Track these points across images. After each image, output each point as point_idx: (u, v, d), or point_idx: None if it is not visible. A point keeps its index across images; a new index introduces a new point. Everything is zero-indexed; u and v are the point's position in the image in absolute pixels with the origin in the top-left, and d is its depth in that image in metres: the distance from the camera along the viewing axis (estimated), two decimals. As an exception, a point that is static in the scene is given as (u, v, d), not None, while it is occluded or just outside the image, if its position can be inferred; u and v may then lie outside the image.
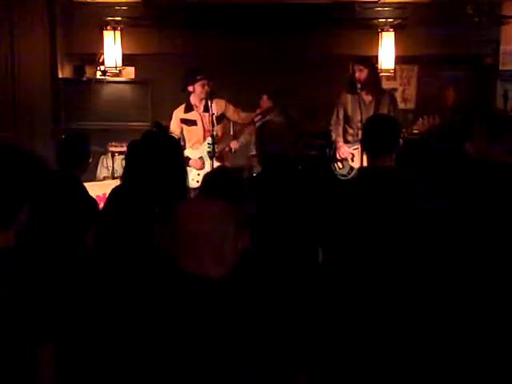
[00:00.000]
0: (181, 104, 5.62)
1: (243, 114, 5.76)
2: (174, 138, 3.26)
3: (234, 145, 5.67)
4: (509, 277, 2.85)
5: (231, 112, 5.65)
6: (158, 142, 2.88)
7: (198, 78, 5.38)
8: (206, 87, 5.36)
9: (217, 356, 1.74)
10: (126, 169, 2.90)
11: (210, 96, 5.29)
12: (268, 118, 5.86)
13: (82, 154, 3.65)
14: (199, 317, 1.75)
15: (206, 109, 5.39)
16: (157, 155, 2.78)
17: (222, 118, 5.59)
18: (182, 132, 5.53)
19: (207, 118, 5.37)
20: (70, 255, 3.33)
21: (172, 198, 2.67)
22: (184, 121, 5.54)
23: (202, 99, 5.45)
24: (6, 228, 1.95)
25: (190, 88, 5.46)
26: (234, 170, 2.83)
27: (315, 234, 3.17)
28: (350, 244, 2.93)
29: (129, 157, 2.90)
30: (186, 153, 5.37)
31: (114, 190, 2.94)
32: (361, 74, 5.22)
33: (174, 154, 2.88)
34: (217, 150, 5.38)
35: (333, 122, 5.53)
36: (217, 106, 5.45)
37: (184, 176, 2.98)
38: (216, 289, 1.78)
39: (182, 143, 5.19)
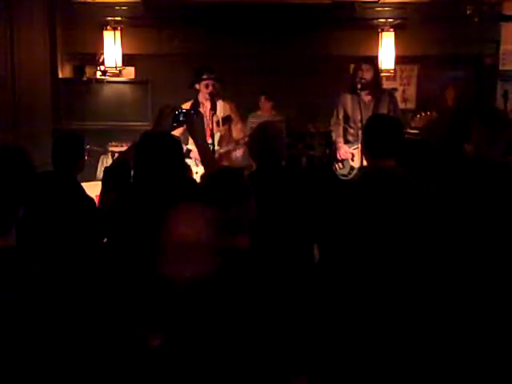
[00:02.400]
0: (181, 103, 5.59)
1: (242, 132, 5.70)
2: (173, 137, 3.25)
3: (239, 153, 5.60)
4: (508, 273, 2.85)
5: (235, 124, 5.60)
6: (158, 143, 2.87)
7: (204, 77, 5.33)
8: (211, 88, 5.29)
9: (212, 358, 1.74)
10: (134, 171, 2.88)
11: (211, 97, 5.23)
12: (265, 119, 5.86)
13: (77, 154, 3.64)
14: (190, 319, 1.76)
15: (213, 108, 5.34)
16: (159, 157, 2.78)
17: (227, 119, 5.53)
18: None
19: (214, 117, 5.30)
20: (71, 254, 3.33)
21: (177, 196, 2.67)
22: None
23: (207, 99, 5.39)
24: (5, 234, 1.94)
25: (197, 86, 5.40)
26: (236, 170, 2.80)
27: (313, 235, 3.17)
28: (352, 245, 2.92)
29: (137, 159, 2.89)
30: (189, 146, 5.28)
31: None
32: (367, 73, 5.18)
33: (175, 154, 2.88)
34: (222, 151, 5.34)
35: (333, 122, 5.52)
36: (223, 108, 5.41)
37: (184, 174, 2.98)
38: (204, 288, 1.79)
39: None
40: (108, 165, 5.98)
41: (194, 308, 1.81)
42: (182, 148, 3.05)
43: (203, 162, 3.58)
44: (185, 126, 3.57)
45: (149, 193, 2.76)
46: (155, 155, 2.81)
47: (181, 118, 3.47)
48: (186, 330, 1.78)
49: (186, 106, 5.47)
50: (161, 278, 1.84)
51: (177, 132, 5.42)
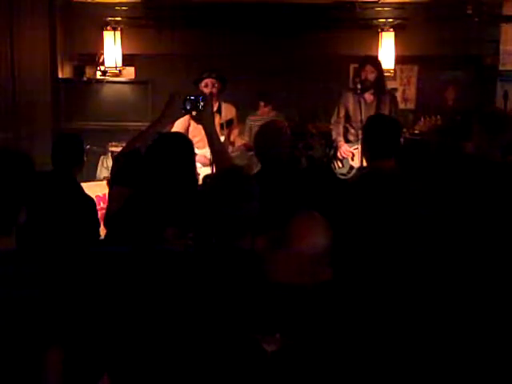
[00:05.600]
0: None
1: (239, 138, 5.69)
2: (186, 137, 3.24)
3: (235, 154, 5.59)
4: (507, 272, 2.85)
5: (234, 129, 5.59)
6: (172, 143, 2.88)
7: (204, 76, 5.31)
8: (210, 87, 5.25)
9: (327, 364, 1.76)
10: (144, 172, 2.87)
11: (210, 96, 5.19)
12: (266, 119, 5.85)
13: (77, 154, 3.65)
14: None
15: (218, 110, 5.31)
16: (173, 156, 2.78)
17: (230, 123, 5.50)
18: (188, 127, 5.41)
19: (217, 119, 5.28)
20: (71, 255, 3.32)
21: (183, 196, 2.67)
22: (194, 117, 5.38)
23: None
24: (7, 234, 1.95)
25: (200, 86, 5.35)
26: (242, 170, 2.77)
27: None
28: (350, 245, 2.92)
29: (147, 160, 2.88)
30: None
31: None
32: (370, 75, 5.16)
33: (188, 154, 2.89)
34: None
35: (333, 121, 5.51)
36: (226, 111, 5.39)
37: (195, 176, 2.97)
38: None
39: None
40: (110, 163, 6.00)
41: (311, 314, 1.82)
42: (194, 149, 3.03)
43: (213, 154, 3.47)
44: (193, 113, 3.48)
45: (159, 194, 2.75)
46: (168, 156, 2.80)
47: (188, 107, 3.40)
48: (304, 336, 1.79)
49: None
50: (279, 284, 1.84)
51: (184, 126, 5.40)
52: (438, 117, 5.23)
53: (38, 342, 1.93)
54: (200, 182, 4.11)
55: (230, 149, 5.47)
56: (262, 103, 6.60)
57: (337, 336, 1.85)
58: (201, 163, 5.26)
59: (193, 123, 5.37)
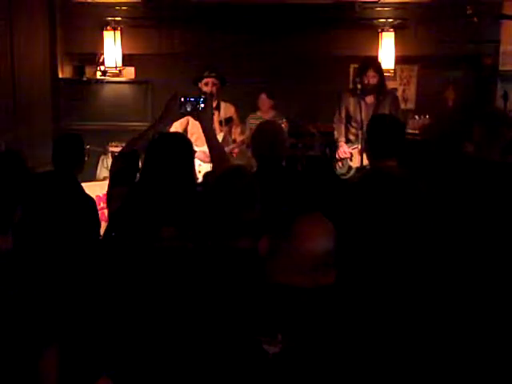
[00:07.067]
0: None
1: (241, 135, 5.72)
2: (186, 137, 3.24)
3: (236, 151, 5.61)
4: (507, 273, 2.85)
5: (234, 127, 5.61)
6: (172, 143, 2.88)
7: (204, 75, 5.33)
8: (210, 86, 5.28)
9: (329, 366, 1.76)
10: (142, 171, 2.88)
11: (210, 96, 5.21)
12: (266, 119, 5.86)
13: (78, 154, 3.65)
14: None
15: (217, 107, 5.33)
16: (173, 157, 2.78)
17: (229, 121, 5.53)
18: (187, 125, 5.42)
19: (216, 117, 5.31)
20: (71, 255, 3.33)
21: (182, 196, 2.67)
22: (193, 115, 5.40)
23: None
24: (3, 234, 1.95)
25: (199, 84, 5.38)
26: (246, 171, 2.75)
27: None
28: (352, 245, 2.91)
29: (147, 159, 2.88)
30: None
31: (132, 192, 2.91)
32: (372, 79, 5.14)
33: (187, 154, 2.90)
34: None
35: (335, 120, 5.52)
36: (225, 109, 5.42)
37: (193, 175, 2.98)
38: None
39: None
40: (110, 163, 6.00)
41: (313, 317, 1.82)
42: (193, 149, 3.04)
43: (212, 155, 3.48)
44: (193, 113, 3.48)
45: (158, 193, 2.75)
46: (167, 156, 2.80)
47: (189, 108, 3.39)
48: (305, 338, 1.79)
49: None
50: (280, 286, 1.84)
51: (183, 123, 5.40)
52: (428, 116, 5.26)
53: (36, 340, 1.93)
54: (201, 179, 4.13)
55: (231, 146, 5.50)
56: (263, 95, 6.58)
57: (338, 338, 1.84)
58: (200, 160, 5.28)
59: (191, 121, 5.36)
